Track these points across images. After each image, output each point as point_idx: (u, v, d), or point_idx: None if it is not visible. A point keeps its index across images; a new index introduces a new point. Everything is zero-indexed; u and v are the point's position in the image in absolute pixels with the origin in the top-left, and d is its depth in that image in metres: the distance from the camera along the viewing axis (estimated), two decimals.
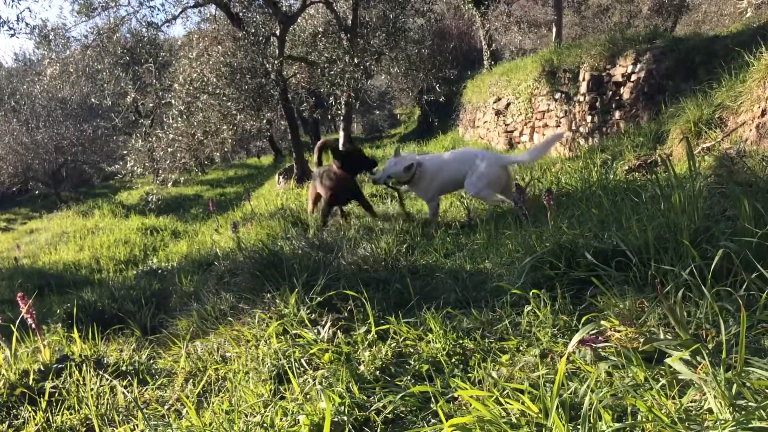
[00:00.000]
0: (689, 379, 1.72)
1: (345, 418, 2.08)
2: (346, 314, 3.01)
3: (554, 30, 15.51)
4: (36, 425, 2.48)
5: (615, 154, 6.37)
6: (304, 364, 2.59)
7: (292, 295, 3.12)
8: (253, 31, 11.14)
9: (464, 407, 2.01)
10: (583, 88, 9.56)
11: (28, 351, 3.20)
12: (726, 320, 2.02)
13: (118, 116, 19.15)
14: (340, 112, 12.92)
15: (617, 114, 8.70)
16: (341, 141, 13.33)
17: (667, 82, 7.78)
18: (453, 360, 2.39)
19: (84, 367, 2.94)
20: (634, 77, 8.34)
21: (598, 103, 9.22)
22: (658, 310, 2.23)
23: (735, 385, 1.59)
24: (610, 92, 8.91)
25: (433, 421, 2.01)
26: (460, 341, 2.52)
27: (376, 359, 2.47)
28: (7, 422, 2.58)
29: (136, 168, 13.18)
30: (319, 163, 6.44)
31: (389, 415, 2.09)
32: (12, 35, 9.82)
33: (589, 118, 9.41)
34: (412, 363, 2.42)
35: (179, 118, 11.47)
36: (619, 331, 2.23)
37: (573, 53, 10.35)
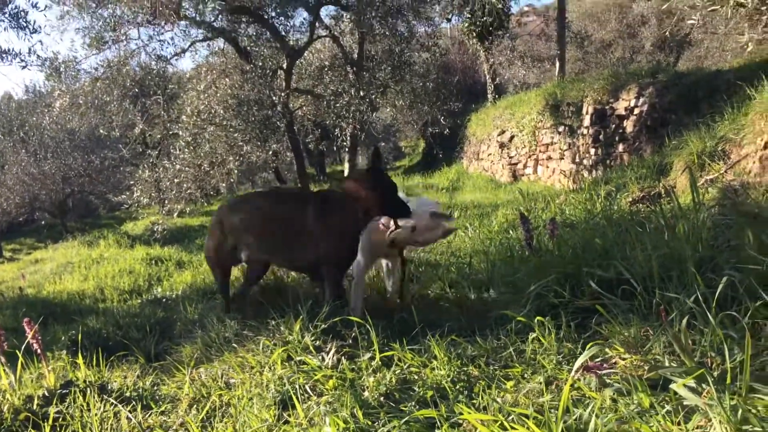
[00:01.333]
0: (694, 405, 1.72)
1: None
2: (350, 341, 3.00)
3: (557, 64, 15.69)
4: None
5: (618, 186, 6.40)
6: (309, 391, 2.59)
7: (296, 322, 3.12)
8: (260, 64, 11.30)
9: None
10: (587, 121, 9.65)
11: (32, 377, 3.20)
12: (731, 348, 2.02)
13: (126, 147, 19.31)
14: (345, 144, 13.04)
15: (620, 147, 8.76)
16: (346, 173, 13.40)
17: (670, 116, 7.84)
18: (457, 387, 2.39)
19: (88, 393, 2.93)
20: (637, 111, 8.42)
21: (601, 136, 9.29)
22: (663, 337, 2.23)
23: (740, 411, 1.59)
24: (614, 125, 8.98)
25: None
26: (465, 368, 2.52)
27: (381, 385, 2.47)
28: None
29: (142, 198, 13.25)
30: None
31: None
32: (23, 67, 9.97)
33: (592, 151, 9.47)
34: (417, 389, 2.42)
35: (186, 149, 11.57)
36: (624, 359, 2.23)
37: (576, 87, 10.47)
